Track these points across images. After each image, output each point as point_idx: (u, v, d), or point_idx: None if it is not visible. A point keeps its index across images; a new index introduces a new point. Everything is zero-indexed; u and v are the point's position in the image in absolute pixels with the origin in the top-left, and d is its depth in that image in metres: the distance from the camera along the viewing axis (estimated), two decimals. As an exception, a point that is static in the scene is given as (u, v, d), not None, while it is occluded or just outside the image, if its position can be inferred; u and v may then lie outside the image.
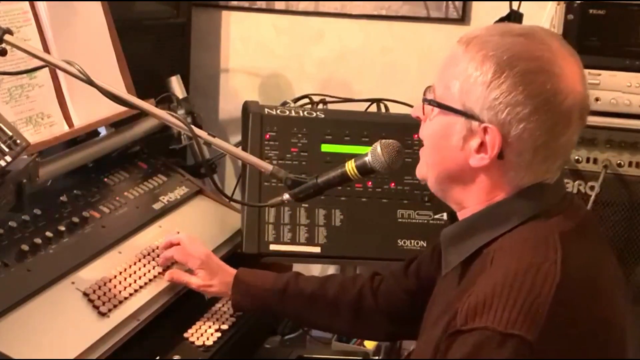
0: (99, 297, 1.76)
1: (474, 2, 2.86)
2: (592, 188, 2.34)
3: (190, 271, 1.95)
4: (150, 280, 1.90)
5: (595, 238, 1.47)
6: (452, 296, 1.43)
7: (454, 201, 1.49)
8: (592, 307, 1.34)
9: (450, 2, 2.86)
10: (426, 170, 1.50)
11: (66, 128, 2.05)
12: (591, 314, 1.33)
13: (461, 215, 1.49)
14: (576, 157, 2.35)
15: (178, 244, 1.96)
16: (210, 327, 1.93)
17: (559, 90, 1.36)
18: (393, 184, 2.28)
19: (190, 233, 2.08)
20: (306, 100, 2.73)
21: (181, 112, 2.55)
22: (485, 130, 1.38)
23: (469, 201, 1.45)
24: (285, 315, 1.94)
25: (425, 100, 1.47)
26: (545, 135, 1.37)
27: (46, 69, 1.98)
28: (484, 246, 1.41)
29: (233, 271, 1.93)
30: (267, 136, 2.28)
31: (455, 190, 1.47)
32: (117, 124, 2.24)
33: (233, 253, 2.20)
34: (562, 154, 1.42)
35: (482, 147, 1.39)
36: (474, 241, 1.42)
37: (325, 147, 2.30)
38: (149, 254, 1.96)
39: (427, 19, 2.90)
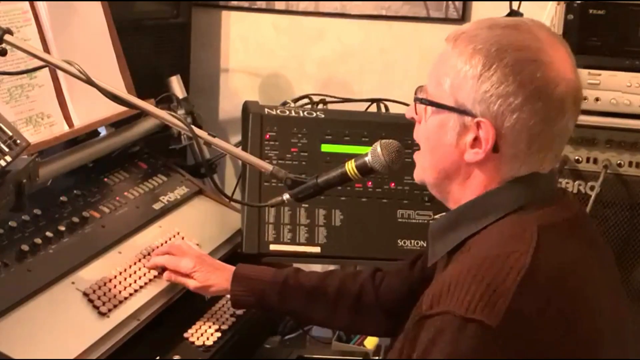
0: (99, 297, 1.76)
1: (474, 2, 2.86)
2: (592, 188, 2.34)
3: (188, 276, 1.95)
4: (150, 280, 1.90)
5: (583, 237, 1.45)
6: None
7: (453, 200, 1.48)
8: (563, 301, 1.32)
9: (450, 2, 2.86)
10: (423, 173, 1.50)
11: (66, 128, 2.05)
12: (562, 308, 1.31)
13: None
14: (576, 157, 2.35)
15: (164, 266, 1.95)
16: (210, 327, 1.93)
17: (549, 78, 1.36)
18: (393, 184, 2.28)
19: (186, 235, 2.08)
20: (306, 100, 2.73)
21: (181, 112, 2.55)
22: (478, 125, 1.38)
23: (467, 197, 1.44)
24: (284, 310, 1.93)
25: (417, 99, 1.47)
26: (540, 124, 1.36)
27: (46, 69, 1.98)
28: (468, 237, 1.41)
29: (231, 267, 1.93)
30: (267, 136, 2.28)
31: (453, 188, 1.46)
32: (117, 124, 2.24)
33: (233, 253, 2.20)
34: (558, 143, 1.42)
35: (476, 141, 1.39)
36: (460, 233, 1.42)
37: (325, 147, 2.30)
38: (149, 254, 1.96)
39: (427, 19, 2.90)
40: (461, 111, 1.39)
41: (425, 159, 1.49)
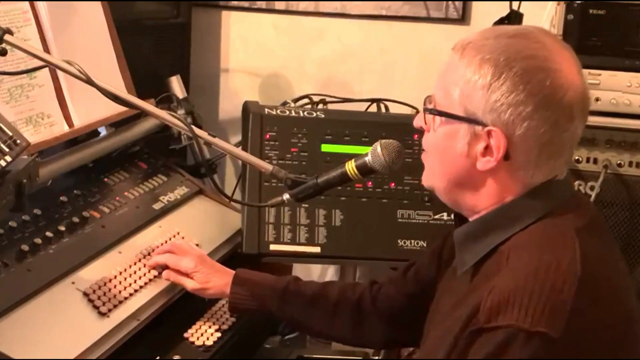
0: (99, 297, 1.76)
1: (474, 2, 2.86)
2: (592, 188, 2.34)
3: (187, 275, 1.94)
4: (150, 280, 1.90)
5: (605, 235, 1.49)
6: (463, 293, 1.43)
7: (467, 207, 1.49)
8: (612, 301, 1.35)
9: (450, 2, 2.86)
10: (433, 179, 1.50)
11: (66, 128, 2.05)
12: (612, 308, 1.34)
13: (474, 219, 1.49)
14: (576, 157, 2.35)
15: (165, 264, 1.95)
16: (210, 327, 1.93)
17: (558, 85, 1.37)
18: (393, 184, 2.28)
19: (186, 235, 2.08)
20: (306, 100, 2.73)
21: (181, 112, 2.55)
22: (489, 133, 1.39)
23: (481, 205, 1.45)
24: (282, 317, 1.93)
25: (426, 109, 1.48)
26: (550, 131, 1.38)
27: (46, 69, 1.98)
28: (498, 244, 1.42)
29: (231, 271, 1.93)
30: (267, 136, 2.28)
31: (466, 196, 1.47)
32: (117, 124, 2.23)
33: (233, 253, 2.20)
34: (568, 149, 1.43)
35: (487, 150, 1.40)
36: (489, 240, 1.43)
37: (325, 147, 2.30)
38: (149, 254, 1.96)
39: (427, 19, 2.90)
40: (472, 121, 1.40)
41: (435, 166, 1.49)
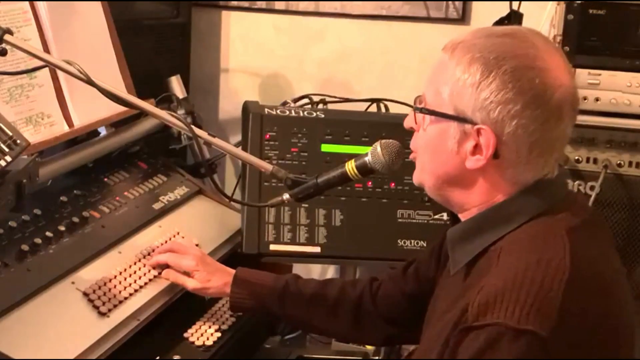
0: (99, 297, 1.76)
1: (474, 2, 2.86)
2: (592, 188, 2.34)
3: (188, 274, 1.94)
4: (150, 280, 1.90)
5: (601, 235, 1.48)
6: (457, 292, 1.43)
7: (456, 205, 1.49)
8: (602, 301, 1.34)
9: (450, 2, 2.86)
10: (422, 176, 1.51)
11: (66, 128, 2.05)
12: (601, 308, 1.34)
13: (464, 216, 1.49)
14: (576, 157, 2.35)
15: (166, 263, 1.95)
16: (210, 327, 1.93)
17: (548, 84, 1.37)
18: (393, 184, 2.28)
19: (186, 235, 2.08)
20: (306, 100, 2.73)
21: (181, 112, 2.55)
22: (478, 132, 1.39)
23: (471, 203, 1.46)
24: (283, 316, 1.94)
25: (416, 109, 1.49)
26: (539, 130, 1.38)
27: (46, 69, 1.98)
28: (490, 244, 1.42)
29: (231, 270, 1.93)
30: (267, 136, 2.28)
31: (455, 194, 1.47)
32: (117, 124, 2.24)
33: (233, 253, 2.20)
34: (557, 148, 1.43)
35: (476, 148, 1.40)
36: (482, 240, 1.43)
37: (325, 147, 2.30)
38: (149, 254, 1.96)
39: (427, 19, 2.90)
40: (461, 119, 1.40)
41: (425, 164, 1.50)
